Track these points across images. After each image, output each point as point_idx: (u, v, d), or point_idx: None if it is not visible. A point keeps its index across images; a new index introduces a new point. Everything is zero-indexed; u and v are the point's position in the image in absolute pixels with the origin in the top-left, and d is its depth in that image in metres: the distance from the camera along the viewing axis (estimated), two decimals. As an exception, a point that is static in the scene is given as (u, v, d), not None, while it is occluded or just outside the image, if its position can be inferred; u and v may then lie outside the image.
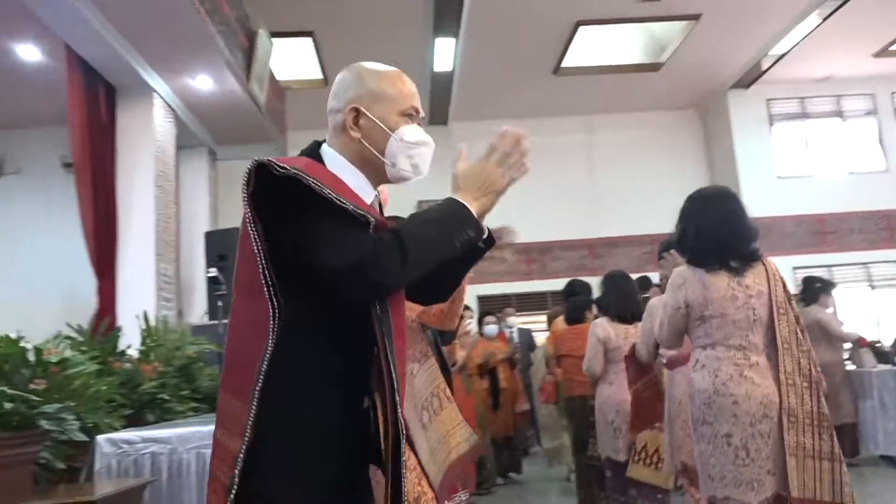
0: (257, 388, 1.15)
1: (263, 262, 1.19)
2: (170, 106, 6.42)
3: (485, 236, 1.34)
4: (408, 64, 8.82)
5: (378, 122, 1.32)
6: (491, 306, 10.94)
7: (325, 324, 1.24)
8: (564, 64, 9.87)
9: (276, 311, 1.19)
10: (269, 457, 1.16)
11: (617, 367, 3.41)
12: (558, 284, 6.21)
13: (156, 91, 6.12)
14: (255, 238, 1.19)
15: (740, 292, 2.38)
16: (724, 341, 2.39)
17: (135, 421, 3.25)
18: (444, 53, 8.91)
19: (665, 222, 10.59)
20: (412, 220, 1.28)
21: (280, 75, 8.87)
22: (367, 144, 1.32)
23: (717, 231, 2.42)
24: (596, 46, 9.80)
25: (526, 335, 7.33)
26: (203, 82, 6.25)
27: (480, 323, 6.22)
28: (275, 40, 8.30)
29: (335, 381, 1.24)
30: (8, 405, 1.98)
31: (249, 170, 1.17)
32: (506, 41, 8.99)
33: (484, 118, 11.35)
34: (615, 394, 3.45)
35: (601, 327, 3.61)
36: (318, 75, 9.56)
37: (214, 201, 7.76)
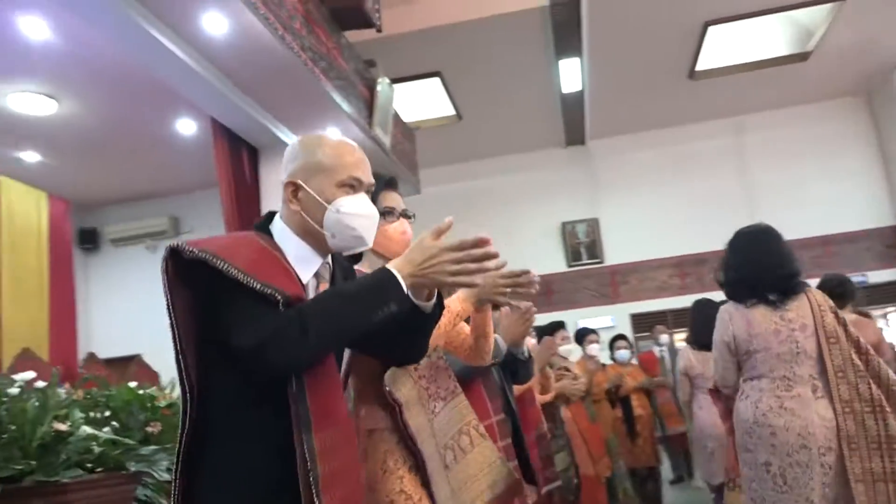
0: (178, 464, 1.23)
1: (179, 346, 1.23)
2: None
3: (409, 307, 1.30)
4: (535, 89, 9.04)
5: (314, 194, 1.34)
6: (645, 324, 10.60)
7: (249, 396, 1.25)
8: (699, 67, 9.41)
9: (188, 392, 1.24)
10: None
11: (702, 394, 3.27)
12: (717, 297, 5.87)
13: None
14: (172, 323, 1.23)
15: (783, 326, 2.53)
16: (768, 373, 2.54)
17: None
18: (570, 74, 8.87)
19: (841, 218, 9.69)
20: (330, 293, 1.30)
21: (412, 116, 9.34)
22: (306, 217, 1.34)
23: (752, 267, 2.61)
24: (733, 44, 9.26)
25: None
26: (331, 134, 6.75)
27: (612, 347, 6.05)
28: (405, 84, 8.82)
29: (264, 450, 1.24)
30: (98, 449, 2.29)
31: (164, 255, 1.23)
32: (631, 52, 8.77)
33: (622, 132, 11.14)
34: (706, 419, 3.30)
35: (683, 357, 3.51)
36: (451, 111, 9.91)
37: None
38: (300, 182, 1.36)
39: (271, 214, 1.43)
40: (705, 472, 3.30)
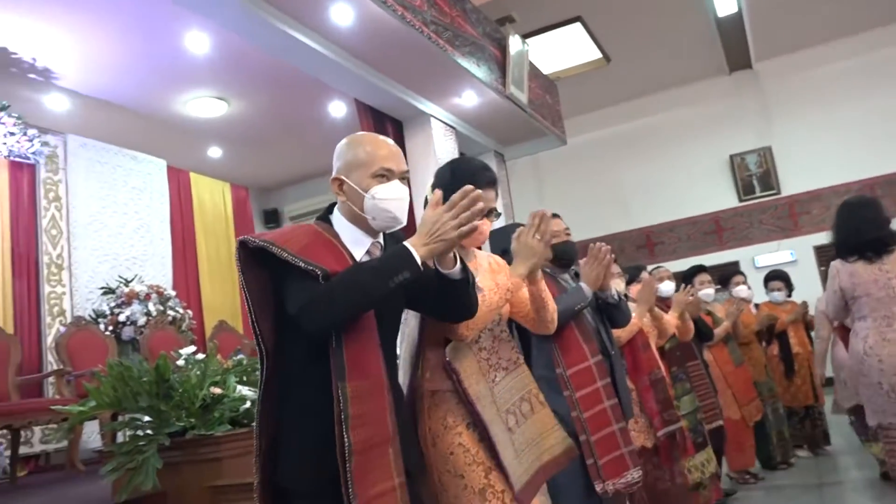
0: (258, 410, 1.56)
1: (253, 317, 1.52)
2: (447, 125, 7.32)
3: (420, 273, 1.48)
4: (687, 17, 8.63)
5: (355, 186, 1.61)
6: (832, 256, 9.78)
7: (309, 352, 1.51)
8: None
9: (264, 355, 1.53)
10: (280, 455, 1.54)
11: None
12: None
13: (432, 116, 7.05)
14: (246, 298, 1.53)
15: (881, 276, 3.23)
16: (871, 314, 3.28)
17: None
18: (724, -5, 8.28)
19: None
20: (355, 266, 1.52)
21: (554, 67, 9.27)
22: (352, 205, 1.62)
23: (853, 233, 3.27)
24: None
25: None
26: (469, 98, 6.99)
27: (766, 286, 5.76)
28: (544, 35, 8.78)
29: (318, 395, 1.48)
30: (245, 407, 2.78)
31: (236, 246, 1.54)
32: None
33: (793, 49, 10.18)
34: (838, 350, 3.39)
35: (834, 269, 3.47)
36: (597, 55, 9.67)
37: (509, 199, 8.49)
38: (343, 177, 1.64)
39: (332, 206, 1.72)
40: (840, 396, 3.40)
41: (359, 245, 1.62)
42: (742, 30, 9.42)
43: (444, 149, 7.18)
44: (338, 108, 7.26)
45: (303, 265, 1.46)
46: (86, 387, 2.69)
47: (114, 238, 6.45)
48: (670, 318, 3.89)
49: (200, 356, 2.89)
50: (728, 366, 4.77)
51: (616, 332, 3.30)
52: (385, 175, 1.62)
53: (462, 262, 1.65)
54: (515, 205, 8.47)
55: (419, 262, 1.47)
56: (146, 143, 7.07)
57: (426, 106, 6.94)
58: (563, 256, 2.85)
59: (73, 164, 6.29)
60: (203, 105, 6.79)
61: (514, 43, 7.12)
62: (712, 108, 10.66)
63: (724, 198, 10.66)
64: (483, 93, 6.89)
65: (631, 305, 3.74)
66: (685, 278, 4.99)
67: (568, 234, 2.90)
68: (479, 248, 2.20)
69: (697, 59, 10.18)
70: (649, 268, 4.16)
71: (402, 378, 2.05)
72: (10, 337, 4.83)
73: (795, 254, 10.03)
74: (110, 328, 5.63)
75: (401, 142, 7.12)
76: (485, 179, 2.12)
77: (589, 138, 10.98)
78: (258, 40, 5.38)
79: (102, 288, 5.97)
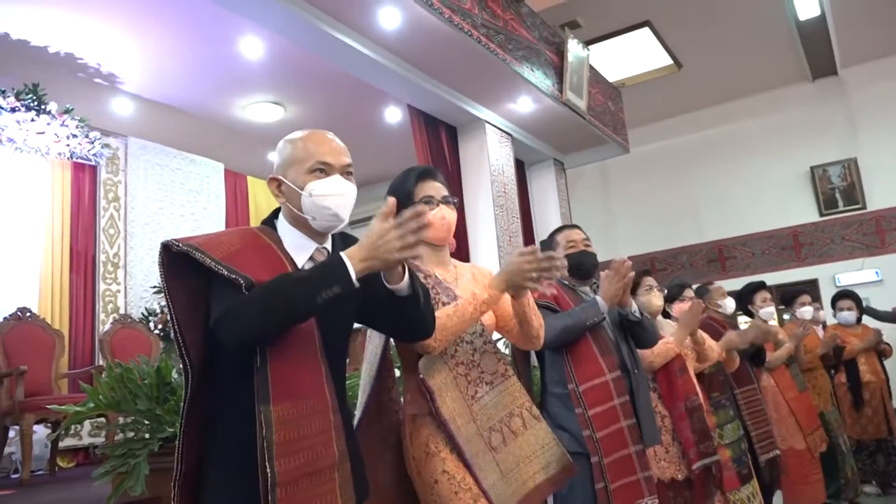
0: (180, 429, 1.40)
1: (176, 327, 1.39)
2: (503, 131, 7.16)
3: (355, 288, 1.35)
4: (765, 21, 8.16)
5: (291, 185, 1.49)
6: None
7: (234, 369, 1.39)
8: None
9: (188, 367, 1.39)
10: (202, 482, 1.42)
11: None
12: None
13: (487, 122, 6.91)
14: (169, 306, 1.40)
15: None
16: None
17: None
18: (805, -2, 7.80)
19: None
20: (282, 276, 1.37)
21: (623, 73, 8.97)
22: (291, 207, 1.50)
23: None
24: None
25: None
26: (524, 104, 6.82)
27: (834, 306, 5.33)
28: (613, 40, 8.51)
29: (241, 416, 1.35)
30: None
31: (160, 250, 1.41)
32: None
33: (881, 55, 9.51)
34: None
35: None
36: (667, 61, 9.30)
37: (567, 208, 8.25)
38: (280, 177, 1.52)
39: (277, 211, 1.59)
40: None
41: (301, 250, 1.50)
42: (826, 34, 8.85)
43: (498, 155, 7.03)
44: (393, 114, 7.23)
45: (225, 273, 1.34)
46: (83, 387, 2.67)
47: (169, 238, 6.56)
48: (713, 344, 3.61)
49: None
50: (791, 391, 4.40)
51: (648, 356, 3.08)
52: (322, 169, 1.49)
53: (412, 276, 1.50)
54: (579, 215, 8.22)
55: (353, 276, 1.32)
56: (204, 146, 7.24)
57: (480, 111, 6.81)
58: (580, 267, 2.67)
59: (133, 165, 6.50)
60: (260, 110, 6.88)
61: (573, 48, 6.91)
62: (792, 117, 10.06)
63: (803, 212, 10.03)
64: (539, 99, 6.71)
65: (672, 325, 3.51)
66: (741, 297, 4.67)
67: (587, 245, 2.72)
68: (447, 243, 2.06)
69: (777, 66, 9.63)
70: (692, 285, 3.85)
71: (361, 398, 1.93)
72: (57, 332, 4.99)
73: (881, 273, 9.32)
74: (160, 326, 5.75)
75: (454, 148, 7.03)
76: (421, 174, 2.02)
77: (658, 147, 10.57)
78: (309, 44, 5.39)
79: (154, 287, 6.11)
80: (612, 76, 8.63)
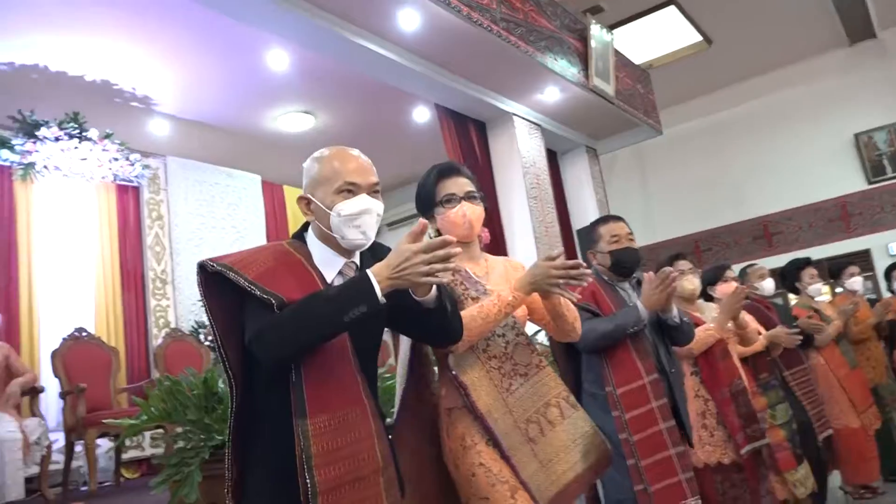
0: (228, 437, 1.47)
1: (218, 342, 1.44)
2: (532, 122, 7.15)
3: (381, 305, 1.39)
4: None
5: (320, 204, 1.53)
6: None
7: (273, 383, 1.44)
8: None
9: (232, 381, 1.45)
10: (246, 490, 1.47)
11: None
12: None
13: (515, 114, 6.92)
14: (211, 323, 1.46)
15: None
16: None
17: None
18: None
19: None
20: (312, 295, 1.41)
21: (651, 54, 8.85)
22: (320, 225, 1.54)
23: None
24: None
25: None
26: (551, 93, 6.80)
27: (889, 277, 5.16)
28: (638, 22, 8.40)
29: (283, 429, 1.40)
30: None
31: (197, 270, 1.47)
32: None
33: (922, 12, 9.15)
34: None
35: None
36: (696, 38, 9.13)
37: (603, 194, 8.19)
38: (309, 196, 1.57)
39: (307, 224, 1.63)
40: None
41: (330, 266, 1.54)
42: (860, -3, 8.58)
43: (529, 147, 7.02)
44: (421, 114, 7.28)
45: (258, 293, 1.39)
46: (135, 400, 2.79)
47: (213, 252, 6.54)
48: (757, 328, 3.55)
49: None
50: (842, 369, 4.29)
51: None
52: (350, 190, 1.53)
53: (440, 289, 1.55)
54: (616, 200, 8.16)
55: (379, 294, 1.37)
56: (240, 159, 7.41)
57: (508, 105, 6.82)
58: (623, 264, 2.66)
59: (173, 184, 6.70)
60: (292, 120, 7.01)
61: (596, 33, 6.85)
62: (831, 84, 9.77)
63: (849, 180, 9.73)
64: (566, 87, 6.68)
65: (714, 309, 3.46)
66: (785, 275, 4.57)
67: (631, 240, 2.69)
68: (472, 238, 2.09)
69: (811, 33, 9.37)
70: (728, 265, 3.79)
71: (398, 392, 1.98)
72: (112, 349, 5.20)
73: (935, 240, 9.02)
74: (209, 338, 5.92)
75: (484, 143, 7.05)
76: (441, 172, 2.06)
77: (693, 126, 10.40)
78: (332, 53, 5.48)
79: (201, 300, 6.28)
80: (639, 58, 8.53)
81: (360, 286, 1.37)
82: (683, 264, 3.36)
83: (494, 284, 1.99)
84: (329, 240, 1.55)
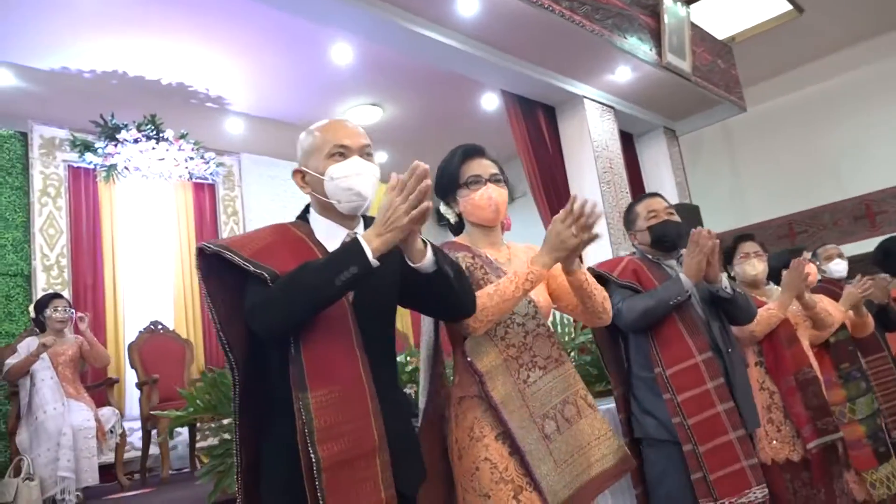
0: (235, 423, 1.47)
1: (218, 326, 1.43)
2: (604, 104, 6.89)
3: (374, 267, 1.35)
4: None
5: (314, 173, 1.53)
6: None
7: (275, 360, 1.43)
8: None
9: (233, 365, 1.44)
10: (261, 472, 1.47)
11: None
12: None
13: (585, 97, 6.68)
14: (210, 307, 1.44)
15: None
16: None
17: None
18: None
19: None
20: (303, 264, 1.38)
21: (735, 28, 8.35)
22: (317, 195, 1.54)
23: None
24: None
25: None
26: (622, 73, 6.53)
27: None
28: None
29: (287, 404, 1.37)
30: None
31: (196, 254, 1.47)
32: None
33: None
34: None
35: None
36: (786, 6, 8.54)
37: (683, 176, 7.82)
38: (302, 168, 1.57)
39: (309, 205, 1.63)
40: None
41: (333, 238, 1.53)
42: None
43: (601, 130, 6.78)
44: (490, 101, 7.15)
45: (252, 269, 1.38)
46: (181, 392, 2.86)
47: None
48: (833, 309, 3.26)
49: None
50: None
51: (748, 325, 2.84)
52: (340, 153, 1.52)
53: (436, 252, 1.48)
54: (702, 183, 7.77)
55: (370, 255, 1.33)
56: (312, 154, 7.51)
57: (577, 87, 6.60)
58: (662, 239, 2.51)
59: (247, 181, 6.89)
60: (360, 113, 7.05)
61: (670, 8, 6.51)
62: (940, 49, 8.93)
63: (964, 155, 8.89)
64: (638, 66, 6.39)
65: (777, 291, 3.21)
66: (887, 254, 4.18)
67: (670, 214, 2.53)
68: (497, 223, 1.99)
69: (916, -6, 8.59)
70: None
71: (423, 382, 1.91)
72: (186, 341, 5.40)
73: None
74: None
75: (554, 128, 6.85)
76: (466, 153, 1.97)
77: (786, 101, 9.73)
78: (394, 44, 5.46)
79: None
80: (721, 33, 8.05)
81: (350, 248, 1.35)
82: (749, 246, 3.13)
83: (517, 269, 1.88)
84: (329, 210, 1.54)
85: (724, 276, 2.39)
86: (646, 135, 7.82)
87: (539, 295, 1.94)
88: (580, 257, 1.86)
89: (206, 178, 6.33)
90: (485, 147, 2.06)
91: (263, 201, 6.99)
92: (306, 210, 1.63)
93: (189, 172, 6.15)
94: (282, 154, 7.30)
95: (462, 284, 1.58)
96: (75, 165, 5.84)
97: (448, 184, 1.98)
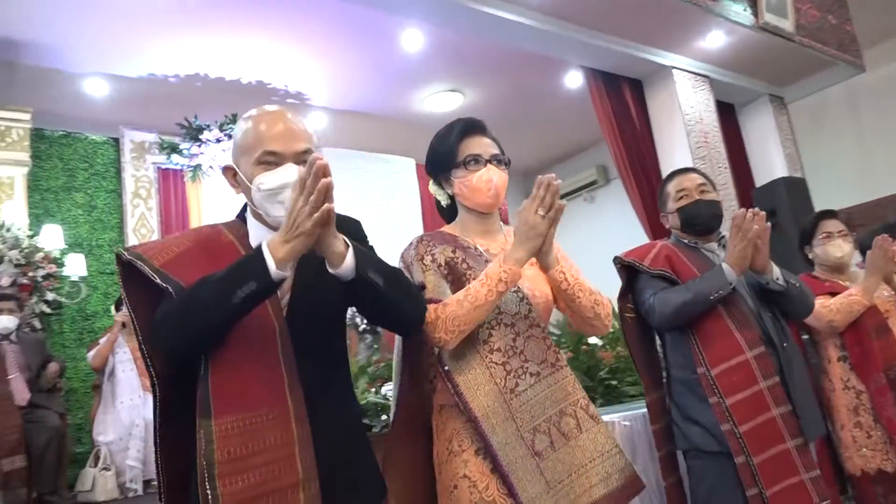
0: (155, 442, 1.33)
1: (139, 337, 1.31)
2: (697, 74, 6.38)
3: (278, 281, 1.21)
4: None
5: (244, 177, 1.37)
6: None
7: (187, 378, 1.30)
8: None
9: (153, 378, 1.32)
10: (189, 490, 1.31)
11: None
12: None
13: (674, 67, 6.21)
14: (131, 316, 1.34)
15: None
16: None
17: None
18: None
19: None
20: (205, 277, 1.25)
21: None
22: (247, 198, 1.40)
23: None
24: None
25: None
26: (715, 39, 6.00)
27: None
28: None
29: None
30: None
31: (115, 260, 1.37)
32: None
33: None
34: None
35: None
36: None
37: (793, 147, 7.12)
38: (234, 166, 1.41)
39: None
40: None
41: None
42: None
43: (693, 102, 6.28)
44: (574, 79, 6.81)
45: (159, 281, 1.26)
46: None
47: (371, 238, 6.90)
48: None
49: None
50: None
51: (825, 313, 2.47)
52: (269, 161, 1.33)
53: (361, 257, 1.28)
54: (826, 153, 7.04)
55: (272, 267, 1.18)
56: (393, 144, 7.49)
57: (665, 58, 6.14)
58: (693, 222, 2.21)
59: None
60: (439, 100, 6.94)
61: (769, -40, 5.90)
62: None
63: None
64: (732, 30, 5.83)
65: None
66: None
67: (703, 192, 2.22)
68: (495, 209, 1.78)
69: None
70: None
71: (394, 390, 1.75)
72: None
73: None
74: (364, 323, 6.05)
75: (641, 103, 6.43)
76: (464, 129, 1.76)
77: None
78: (466, 27, 5.29)
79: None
80: (836, -15, 7.25)
81: (251, 260, 1.21)
82: (831, 225, 2.73)
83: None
84: (260, 216, 1.38)
85: (773, 265, 2.05)
86: (749, 104, 7.18)
87: (536, 289, 1.72)
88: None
89: (289, 174, 6.44)
90: (485, 124, 1.85)
91: (346, 194, 6.99)
92: (245, 208, 1.48)
93: (269, 169, 6.27)
94: (364, 145, 7.33)
95: (399, 292, 1.39)
96: (164, 167, 6.11)
97: (442, 161, 1.80)
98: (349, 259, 1.27)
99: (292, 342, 1.31)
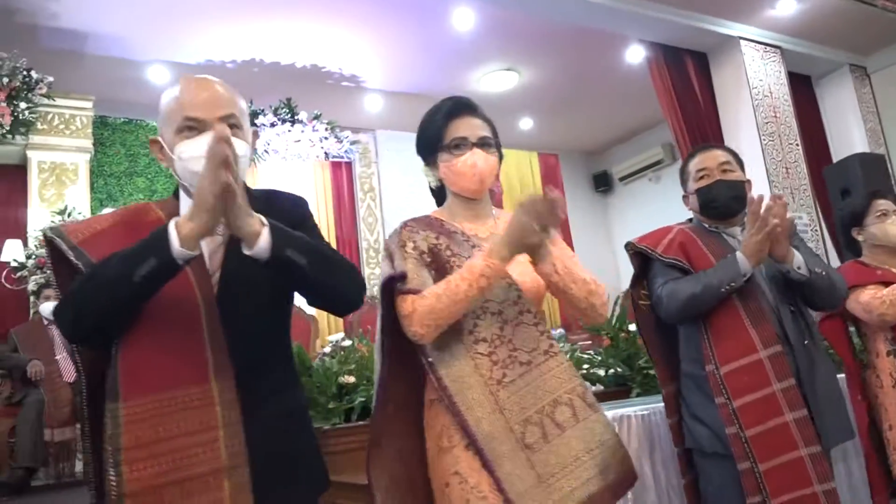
0: (82, 434, 1.30)
1: None
2: (767, 44, 6.00)
3: (182, 259, 1.14)
4: None
5: (167, 148, 1.29)
6: None
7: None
8: None
9: (78, 367, 1.28)
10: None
11: None
12: None
13: (742, 38, 5.87)
14: (58, 297, 1.29)
15: None
16: None
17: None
18: None
19: None
20: (112, 254, 1.19)
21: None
22: (173, 171, 1.32)
23: None
24: None
25: None
26: (785, 6, 5.62)
27: None
28: None
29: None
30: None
31: (43, 241, 1.38)
32: None
33: None
34: None
35: None
36: None
37: (876, 121, 6.61)
38: (159, 138, 1.33)
39: None
40: None
41: None
42: None
43: (763, 74, 5.92)
44: (635, 54, 6.54)
45: (72, 258, 1.22)
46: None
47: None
48: None
49: (347, 343, 2.85)
50: None
51: (876, 305, 2.25)
52: (189, 127, 1.24)
53: (278, 235, 1.18)
54: (887, 126, 6.54)
55: (175, 244, 1.11)
56: (449, 126, 7.41)
57: (731, 28, 5.81)
58: (711, 204, 2.03)
59: (383, 157, 6.96)
60: (495, 79, 6.81)
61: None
62: None
63: None
64: (798, -6, 5.46)
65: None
66: None
67: (725, 170, 2.03)
68: (481, 195, 1.68)
69: None
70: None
71: (375, 376, 1.68)
72: (311, 317, 5.55)
73: None
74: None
75: (706, 77, 6.11)
76: (452, 109, 1.64)
77: None
78: (518, 4, 5.16)
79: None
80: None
81: (155, 237, 1.13)
82: (886, 204, 2.48)
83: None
84: (188, 190, 1.30)
85: (796, 252, 1.85)
86: (827, 76, 6.71)
87: (526, 276, 1.62)
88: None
89: (342, 157, 6.47)
90: (476, 104, 1.75)
91: (398, 177, 7.03)
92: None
93: (325, 152, 6.32)
94: (415, 128, 7.27)
95: (325, 273, 1.28)
96: (222, 152, 6.24)
97: (429, 144, 1.70)
98: (264, 238, 1.16)
99: (224, 322, 1.24)
